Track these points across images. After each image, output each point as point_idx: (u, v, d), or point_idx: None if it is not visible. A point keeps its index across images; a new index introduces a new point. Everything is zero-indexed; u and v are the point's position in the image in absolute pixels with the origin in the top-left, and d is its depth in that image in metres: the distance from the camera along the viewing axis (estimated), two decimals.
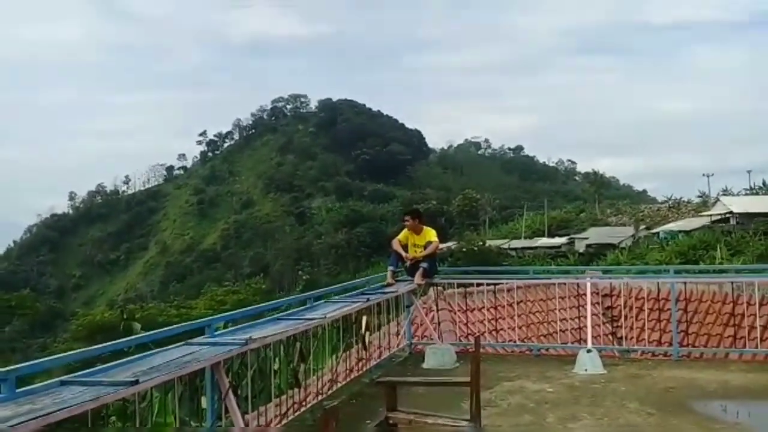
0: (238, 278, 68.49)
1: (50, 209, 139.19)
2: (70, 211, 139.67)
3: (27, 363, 3.40)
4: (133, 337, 4.73)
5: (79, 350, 3.93)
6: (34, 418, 2.78)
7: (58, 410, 2.90)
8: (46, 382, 3.43)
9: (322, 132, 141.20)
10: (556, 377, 7.23)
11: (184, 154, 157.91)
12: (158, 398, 5.50)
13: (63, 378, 3.46)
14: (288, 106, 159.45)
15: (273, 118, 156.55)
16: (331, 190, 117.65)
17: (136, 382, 3.35)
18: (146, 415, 5.14)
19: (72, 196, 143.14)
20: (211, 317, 5.29)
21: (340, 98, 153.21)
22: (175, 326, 4.95)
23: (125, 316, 17.37)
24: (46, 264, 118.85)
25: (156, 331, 4.75)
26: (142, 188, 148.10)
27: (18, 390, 3.19)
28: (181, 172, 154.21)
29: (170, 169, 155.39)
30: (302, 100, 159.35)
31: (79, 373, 3.59)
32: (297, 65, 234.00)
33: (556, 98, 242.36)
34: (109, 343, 4.20)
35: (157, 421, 5.67)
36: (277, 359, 6.18)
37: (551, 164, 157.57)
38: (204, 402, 4.93)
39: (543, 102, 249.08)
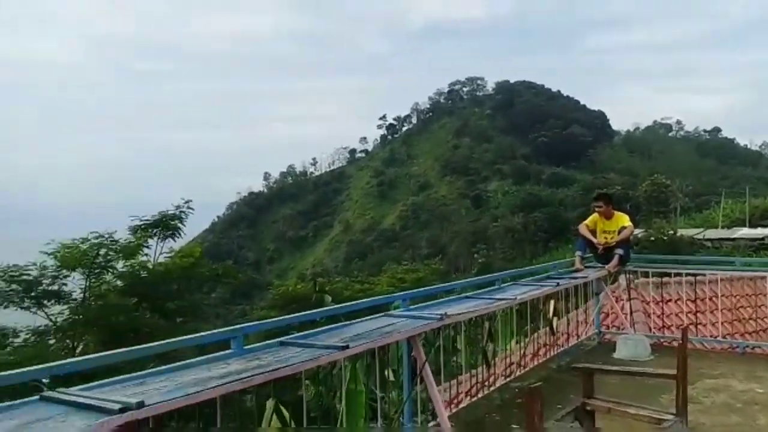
0: (415, 258, 70.09)
1: (248, 188, 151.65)
2: (265, 191, 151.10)
3: (251, 323, 3.79)
4: (336, 306, 5.06)
5: (294, 315, 4.30)
6: (262, 373, 3.09)
7: (282, 367, 3.20)
8: (265, 342, 3.80)
9: (498, 114, 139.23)
10: (766, 377, 6.60)
11: (365, 138, 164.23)
12: (347, 366, 5.85)
13: (281, 339, 3.81)
14: (464, 89, 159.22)
15: (449, 101, 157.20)
16: (507, 174, 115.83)
17: (347, 347, 3.59)
18: (337, 381, 5.48)
19: (266, 177, 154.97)
20: (402, 293, 5.50)
21: (517, 80, 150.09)
22: (364, 300, 5.22)
23: (317, 288, 18.55)
24: (245, 238, 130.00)
25: (347, 303, 5.05)
26: (328, 170, 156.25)
27: (245, 347, 3.57)
28: (363, 155, 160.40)
29: (353, 152, 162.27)
30: (479, 82, 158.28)
31: (294, 335, 3.92)
32: (474, 48, 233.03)
33: (759, 75, 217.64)
34: (317, 310, 4.56)
35: (349, 387, 6.01)
36: (458, 337, 6.28)
37: (754, 147, 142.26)
38: (389, 373, 5.16)
39: (744, 79, 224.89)
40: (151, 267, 15.86)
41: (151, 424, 2.52)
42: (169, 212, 16.52)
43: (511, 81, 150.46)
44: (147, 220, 16.16)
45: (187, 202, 16.92)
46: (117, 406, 2.34)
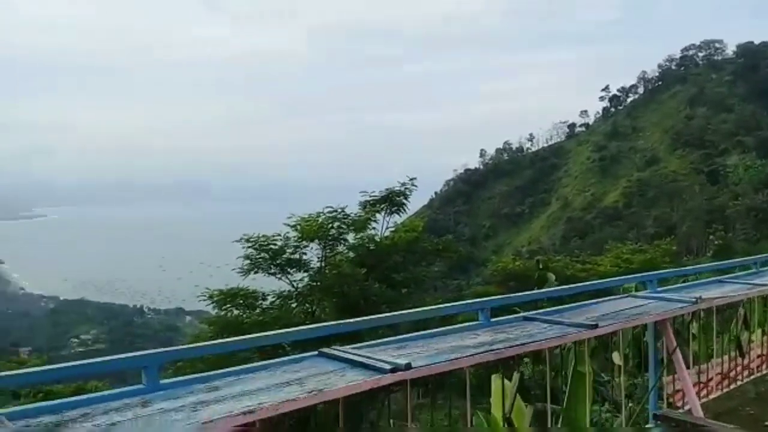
0: (640, 238, 65.82)
1: (464, 165, 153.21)
2: (481, 167, 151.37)
3: (496, 297, 3.84)
4: (579, 284, 4.92)
5: (539, 291, 4.29)
6: (511, 346, 3.13)
7: (530, 342, 3.22)
8: (509, 317, 3.83)
9: (740, 80, 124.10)
10: None
11: (585, 111, 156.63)
12: (571, 348, 5.65)
13: (526, 314, 3.81)
14: (700, 54, 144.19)
15: (682, 67, 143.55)
16: (750, 146, 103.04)
17: (595, 326, 3.49)
18: (558, 361, 5.32)
19: (482, 153, 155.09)
20: (648, 273, 5.19)
21: (762, 41, 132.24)
22: (591, 283, 5.00)
23: (540, 266, 18.27)
24: (461, 214, 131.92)
25: (580, 285, 4.88)
26: (545, 145, 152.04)
27: (492, 319, 3.64)
28: (583, 129, 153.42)
29: (572, 126, 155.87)
30: (716, 46, 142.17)
31: (538, 311, 3.90)
32: (710, 8, 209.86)
33: None
34: (554, 289, 4.48)
35: (577, 369, 5.82)
36: (694, 324, 5.77)
37: None
38: (616, 357, 4.89)
39: None
40: (378, 240, 16.75)
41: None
42: (395, 189, 17.23)
43: (756, 42, 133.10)
44: (375, 196, 17.03)
45: (411, 179, 17.56)
46: (388, 366, 2.52)
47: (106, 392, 2.38)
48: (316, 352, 2.85)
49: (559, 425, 3.88)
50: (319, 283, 15.90)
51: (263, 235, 15.73)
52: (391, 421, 4.11)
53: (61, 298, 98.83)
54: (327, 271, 16.03)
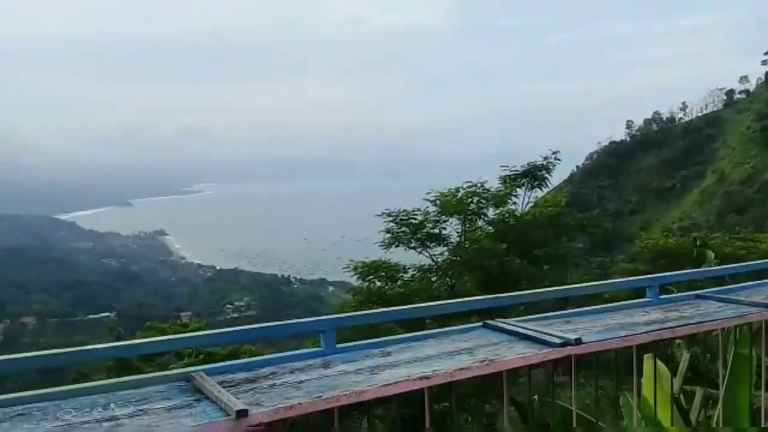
0: None
1: (608, 137, 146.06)
2: (627, 139, 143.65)
3: (670, 273, 3.67)
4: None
5: (720, 267, 4.04)
6: (686, 324, 2.98)
7: (707, 321, 3.05)
8: (680, 294, 3.65)
9: None
10: None
11: (746, 77, 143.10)
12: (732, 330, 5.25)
13: (698, 292, 3.61)
14: None
15: None
16: None
17: None
18: (713, 343, 4.98)
19: (629, 125, 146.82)
20: None
21: None
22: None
23: (698, 243, 17.14)
24: (605, 188, 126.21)
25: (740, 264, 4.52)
26: (699, 114, 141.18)
27: (661, 297, 3.48)
28: (743, 96, 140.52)
29: (730, 93, 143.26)
30: None
31: (713, 290, 3.68)
32: None
33: None
34: (731, 266, 4.19)
35: (738, 351, 5.44)
36: None
37: None
38: None
39: None
40: (519, 215, 16.49)
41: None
42: (537, 162, 16.83)
43: None
44: (516, 170, 16.74)
45: (554, 152, 17.06)
46: (557, 340, 2.51)
47: (289, 353, 2.57)
48: (480, 324, 2.89)
49: (716, 409, 3.68)
50: (458, 258, 15.98)
51: (403, 210, 16.00)
52: (536, 397, 4.08)
53: (217, 268, 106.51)
54: (467, 246, 16.06)
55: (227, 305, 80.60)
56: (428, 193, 16.35)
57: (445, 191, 16.19)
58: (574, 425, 3.12)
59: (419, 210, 16.13)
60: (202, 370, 2.37)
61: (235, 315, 75.10)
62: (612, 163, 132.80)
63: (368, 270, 15.70)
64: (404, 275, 16.25)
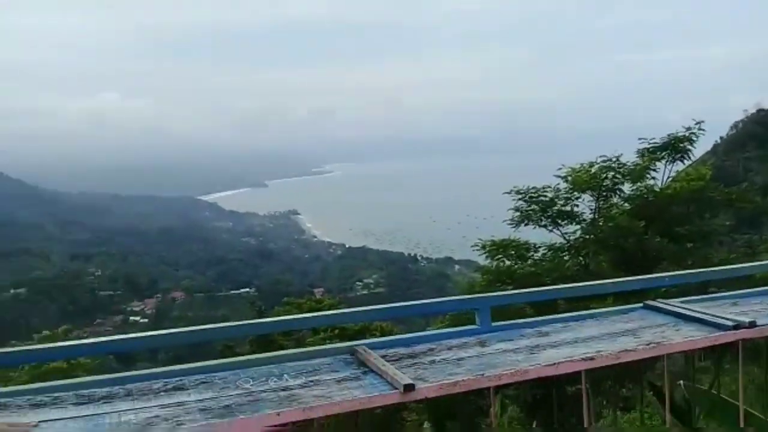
0: None
1: (756, 105, 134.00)
2: None
3: None
4: None
5: None
6: None
7: None
8: None
9: None
10: None
11: None
12: None
13: None
14: None
15: None
16: None
17: None
18: None
19: None
20: None
21: None
22: None
23: None
24: (751, 160, 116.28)
25: None
26: None
27: None
28: None
29: None
30: None
31: None
32: None
33: None
34: None
35: None
36: None
37: None
38: None
39: None
40: (657, 190, 15.59)
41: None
42: (678, 134, 15.81)
43: None
44: (655, 142, 15.82)
45: (698, 123, 15.93)
46: (729, 323, 2.37)
47: (445, 330, 2.62)
48: (641, 305, 2.78)
49: None
50: (592, 236, 15.38)
51: (533, 187, 15.59)
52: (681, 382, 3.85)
53: (347, 246, 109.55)
54: (601, 224, 15.42)
55: (357, 282, 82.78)
56: (559, 168, 15.81)
57: (578, 166, 15.60)
58: (741, 418, 2.93)
59: (549, 187, 15.65)
60: (364, 344, 2.47)
61: (364, 292, 77.07)
62: (760, 132, 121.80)
63: (497, 249, 15.46)
64: (534, 254, 15.88)
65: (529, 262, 15.50)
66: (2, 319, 54.23)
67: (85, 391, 2.16)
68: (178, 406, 2.04)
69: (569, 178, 15.21)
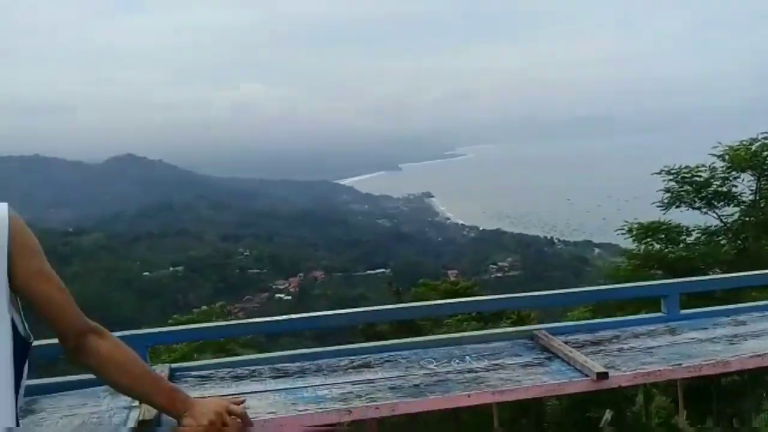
0: None
1: None
2: None
3: None
4: None
5: None
6: None
7: None
8: None
9: None
10: None
11: None
12: None
13: None
14: None
15: None
16: None
17: None
18: None
19: None
20: None
21: None
22: None
23: None
24: None
25: None
26: None
27: None
28: None
29: None
30: None
31: None
32: None
33: None
34: None
35: None
36: None
37: None
38: None
39: None
40: None
41: None
42: None
43: None
44: None
45: None
46: None
47: (630, 317, 2.51)
48: None
49: None
50: (752, 218, 14.17)
51: (686, 167, 14.60)
52: None
53: (480, 228, 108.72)
54: (763, 205, 14.17)
55: (491, 265, 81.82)
56: (714, 147, 14.66)
57: (736, 144, 14.39)
58: None
59: (704, 166, 14.57)
60: (545, 329, 2.42)
61: (499, 275, 76.11)
62: None
63: (645, 232, 14.67)
64: (687, 238, 14.91)
65: (681, 246, 14.63)
66: (164, 293, 59.40)
67: (279, 365, 2.29)
68: (368, 383, 2.10)
69: (726, 156, 14.11)
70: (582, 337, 2.41)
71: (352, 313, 2.72)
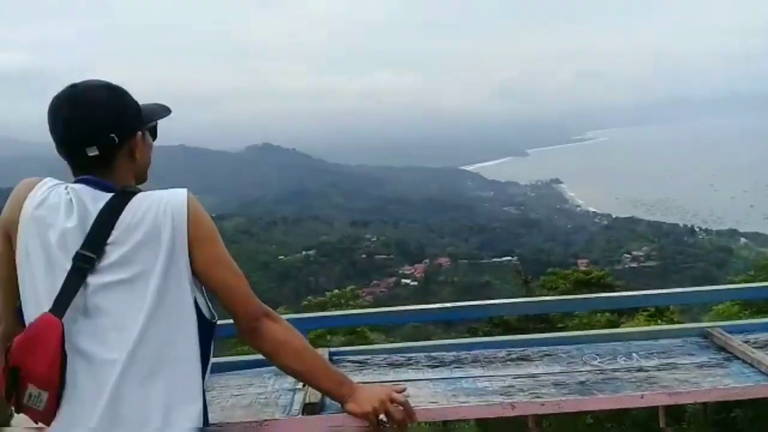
0: None
1: None
2: None
3: None
4: None
5: None
6: None
7: None
8: None
9: None
10: None
11: None
12: None
13: None
14: None
15: None
16: None
17: None
18: None
19: None
20: None
21: None
22: None
23: None
24: None
25: None
26: None
27: None
28: None
29: None
30: None
31: None
32: None
33: None
34: None
35: None
36: None
37: None
38: None
39: None
40: None
41: None
42: None
43: None
44: None
45: None
46: None
47: None
48: None
49: None
50: None
51: None
52: None
53: (613, 216, 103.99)
54: None
55: (625, 254, 78.11)
56: None
57: None
58: None
59: None
60: (719, 326, 2.24)
61: (633, 265, 72.53)
62: None
63: None
64: None
65: None
66: (297, 276, 62.01)
67: (434, 354, 2.27)
68: (530, 377, 2.02)
69: None
70: (763, 336, 2.20)
71: (501, 304, 2.66)
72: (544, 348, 2.25)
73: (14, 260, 1.53)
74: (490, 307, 2.55)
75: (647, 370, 2.02)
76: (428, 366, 2.19)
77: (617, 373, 2.02)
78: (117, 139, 1.58)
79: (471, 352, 2.26)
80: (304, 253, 69.76)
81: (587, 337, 2.33)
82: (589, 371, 2.05)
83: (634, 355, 2.15)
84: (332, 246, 72.10)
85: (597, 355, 2.17)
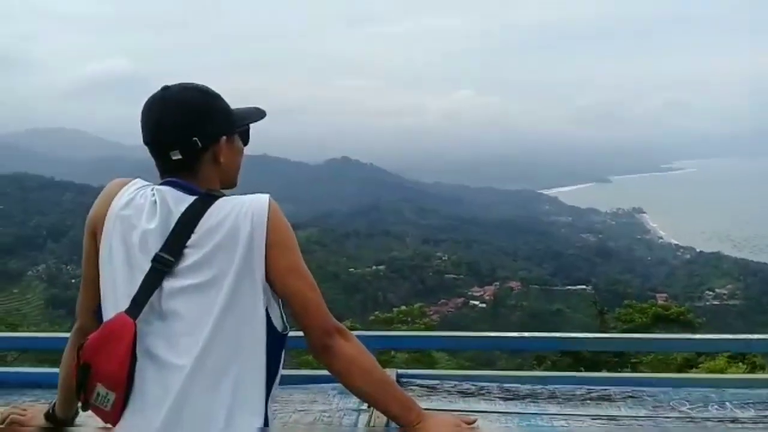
0: None
1: None
2: None
3: None
4: None
5: None
6: None
7: None
8: None
9: None
10: None
11: None
12: None
13: None
14: None
15: None
16: None
17: None
18: None
19: None
20: None
21: None
22: None
23: None
24: None
25: None
26: None
27: None
28: None
29: None
30: None
31: None
32: None
33: None
34: None
35: None
36: None
37: None
38: None
39: None
40: None
41: None
42: None
43: None
44: None
45: None
46: None
47: None
48: None
49: None
50: None
51: None
52: None
53: (697, 250, 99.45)
54: None
55: (707, 291, 74.54)
56: None
57: None
58: None
59: None
60: None
61: (715, 302, 69.05)
62: None
63: None
64: None
65: None
66: (366, 290, 62.32)
67: (508, 385, 2.16)
68: (611, 420, 1.89)
69: None
70: None
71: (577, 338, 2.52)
72: (628, 388, 2.11)
73: (98, 259, 1.54)
74: (567, 341, 2.42)
75: (743, 422, 1.85)
76: (500, 398, 2.09)
77: (708, 423, 1.86)
78: (200, 144, 1.57)
79: (547, 387, 2.14)
80: (374, 267, 70.06)
81: (677, 380, 2.17)
82: (676, 418, 1.90)
83: (728, 404, 1.98)
84: (402, 262, 72.07)
85: (686, 401, 2.01)
